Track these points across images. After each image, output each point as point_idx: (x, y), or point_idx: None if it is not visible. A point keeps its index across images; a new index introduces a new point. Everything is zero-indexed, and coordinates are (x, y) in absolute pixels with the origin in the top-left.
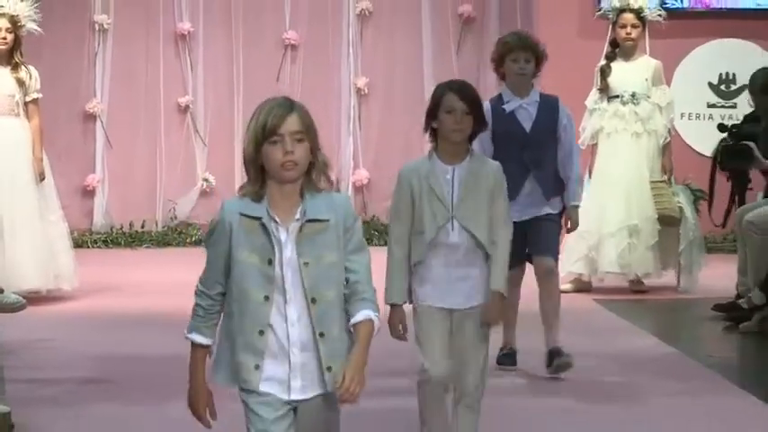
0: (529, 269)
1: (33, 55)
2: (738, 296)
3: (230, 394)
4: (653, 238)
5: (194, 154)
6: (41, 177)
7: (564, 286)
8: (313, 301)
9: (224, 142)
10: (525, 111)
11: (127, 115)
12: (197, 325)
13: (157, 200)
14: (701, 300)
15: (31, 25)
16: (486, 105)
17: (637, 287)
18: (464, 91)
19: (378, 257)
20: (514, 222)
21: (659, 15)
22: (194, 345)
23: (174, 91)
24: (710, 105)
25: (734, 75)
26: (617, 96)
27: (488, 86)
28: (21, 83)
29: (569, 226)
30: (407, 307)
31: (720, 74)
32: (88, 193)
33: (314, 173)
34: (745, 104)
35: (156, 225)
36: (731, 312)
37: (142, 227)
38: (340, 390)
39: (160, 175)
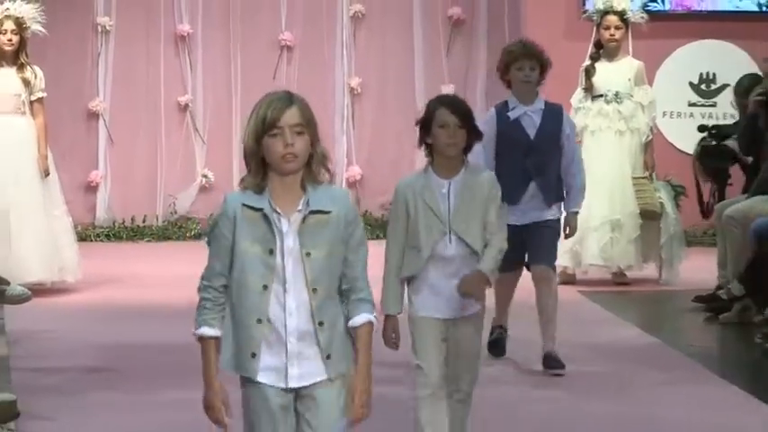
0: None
1: (38, 55)
2: (719, 288)
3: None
4: (635, 232)
5: (194, 151)
6: (46, 173)
7: None
8: (314, 290)
9: (222, 139)
10: (530, 118)
11: (128, 114)
12: (205, 318)
13: (158, 195)
14: (683, 291)
15: (36, 27)
16: (492, 111)
17: (620, 279)
18: (455, 105)
19: (370, 251)
20: (515, 226)
21: (642, 17)
22: (204, 340)
23: (174, 90)
24: (691, 104)
25: (714, 74)
26: (601, 95)
27: (477, 87)
28: (26, 82)
29: (567, 232)
30: (401, 315)
31: (701, 74)
32: (91, 188)
33: (314, 165)
34: (724, 103)
35: (157, 220)
36: (711, 303)
37: (143, 221)
38: (351, 414)
39: (161, 171)
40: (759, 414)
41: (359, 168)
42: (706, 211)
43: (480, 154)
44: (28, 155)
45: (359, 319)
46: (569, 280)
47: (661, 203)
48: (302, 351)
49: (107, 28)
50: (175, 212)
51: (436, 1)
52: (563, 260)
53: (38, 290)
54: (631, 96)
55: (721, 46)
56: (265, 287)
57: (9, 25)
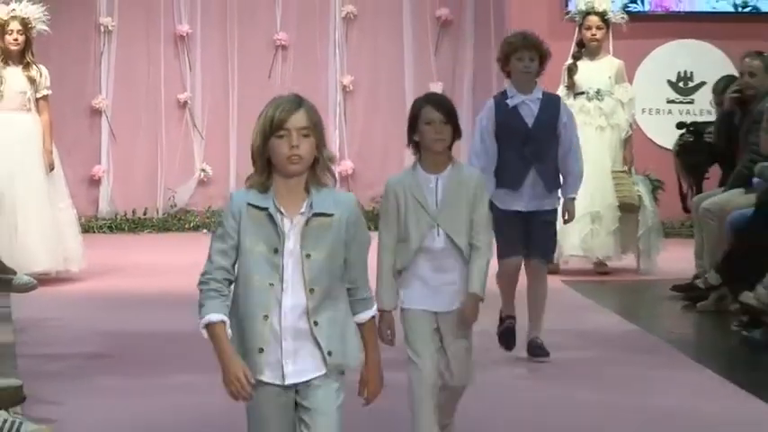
0: None
1: (43, 55)
2: (696, 277)
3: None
4: (614, 224)
5: (192, 146)
6: (51, 168)
7: None
8: (311, 291)
9: (220, 135)
10: (527, 107)
11: (130, 111)
12: (212, 305)
13: (158, 189)
14: (661, 281)
15: (41, 27)
16: (490, 101)
17: (600, 269)
18: (440, 102)
19: None
20: (519, 212)
21: (622, 18)
22: (211, 326)
23: (174, 88)
24: (669, 101)
25: (691, 73)
26: (583, 93)
27: (464, 84)
28: (32, 81)
29: (566, 217)
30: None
31: (679, 72)
32: (94, 182)
33: (318, 168)
34: (701, 101)
35: (157, 212)
36: (689, 292)
37: (144, 214)
38: (366, 399)
39: (161, 165)
40: (734, 398)
41: (350, 163)
42: (687, 206)
43: (478, 148)
44: (33, 150)
45: (363, 316)
46: (552, 270)
47: (639, 197)
48: (298, 349)
49: (109, 28)
50: (175, 205)
51: (425, 2)
52: None
53: (43, 279)
54: (612, 94)
55: (698, 45)
56: (271, 285)
57: (15, 26)
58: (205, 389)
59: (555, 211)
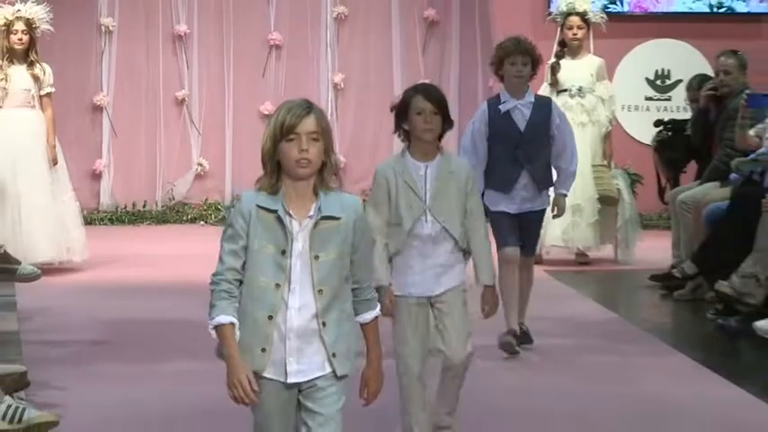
0: None
1: (47, 53)
2: (673, 267)
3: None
4: (594, 216)
5: (190, 141)
6: (54, 162)
7: None
8: (320, 292)
9: (216, 131)
10: (520, 111)
11: (130, 107)
12: (221, 307)
13: (157, 182)
14: (639, 270)
15: (45, 27)
16: (483, 105)
17: (581, 259)
18: (431, 92)
19: None
20: (512, 214)
21: (602, 18)
22: (221, 327)
23: (172, 86)
24: (648, 98)
25: (668, 71)
26: (565, 90)
27: (450, 82)
28: (36, 78)
29: (555, 212)
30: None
31: (656, 70)
32: (96, 176)
33: (326, 172)
34: (678, 98)
35: (156, 204)
36: (666, 282)
37: (143, 206)
38: (366, 398)
39: (159, 160)
40: (710, 383)
41: (342, 157)
42: (664, 198)
43: (467, 148)
44: (37, 145)
45: (367, 316)
46: (535, 260)
47: (618, 190)
48: (302, 348)
49: (110, 28)
50: (173, 198)
51: (413, 3)
52: None
53: (47, 269)
54: (593, 91)
55: (675, 45)
56: (278, 286)
57: (20, 26)
58: (204, 375)
59: (544, 210)
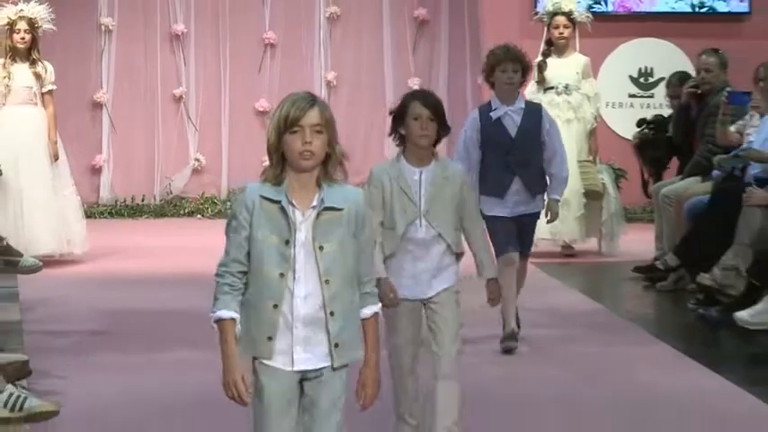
0: None
1: (48, 52)
2: (656, 259)
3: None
4: (580, 209)
5: (187, 137)
6: (56, 157)
7: None
8: (326, 282)
9: (212, 127)
10: (510, 117)
11: (129, 104)
12: (225, 301)
13: (155, 177)
14: (623, 263)
15: (47, 26)
16: (474, 113)
17: (567, 251)
18: (428, 99)
19: None
20: (507, 218)
21: (587, 17)
22: (222, 322)
23: (170, 83)
24: (631, 95)
25: (651, 69)
26: (552, 88)
27: (439, 80)
28: (38, 76)
29: (549, 217)
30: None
31: (640, 68)
32: (96, 171)
33: (330, 164)
34: (661, 95)
35: (154, 198)
36: (649, 273)
37: (142, 200)
38: (363, 402)
39: (157, 155)
40: (691, 371)
41: None
42: (648, 192)
43: (461, 154)
44: (39, 142)
45: (367, 311)
46: None
47: (603, 184)
48: (309, 336)
49: (109, 27)
50: (171, 192)
51: (403, 3)
52: None
53: (48, 261)
54: (579, 89)
55: (658, 43)
56: (282, 275)
57: (22, 25)
58: (202, 364)
59: (538, 213)
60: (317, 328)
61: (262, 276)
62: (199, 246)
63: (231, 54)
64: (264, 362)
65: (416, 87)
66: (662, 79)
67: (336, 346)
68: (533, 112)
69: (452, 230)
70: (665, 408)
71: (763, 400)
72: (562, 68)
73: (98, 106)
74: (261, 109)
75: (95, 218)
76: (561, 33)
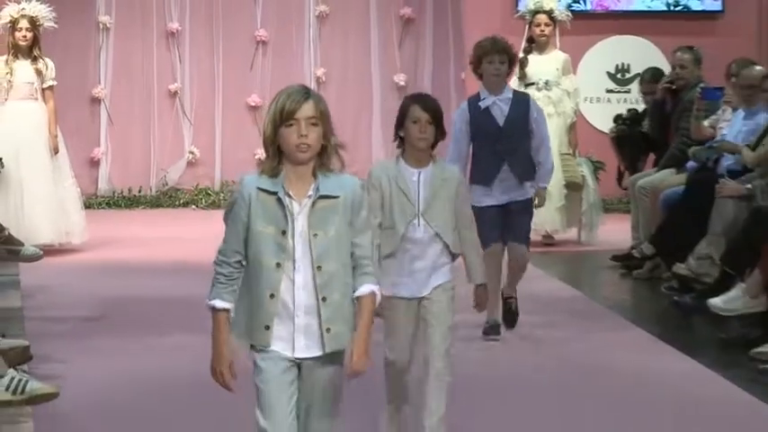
0: None
1: (49, 49)
2: (632, 248)
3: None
4: (560, 200)
5: (182, 131)
6: (56, 151)
7: None
8: (318, 268)
9: (206, 121)
10: (498, 107)
11: (126, 99)
12: (219, 292)
13: (151, 169)
14: (601, 251)
15: (48, 24)
16: (464, 104)
17: (547, 241)
18: (427, 103)
19: None
20: (494, 206)
21: (567, 16)
22: (216, 310)
23: (165, 79)
24: (609, 91)
25: (628, 65)
26: (533, 83)
27: (424, 76)
28: (39, 72)
29: (537, 203)
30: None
31: (617, 65)
32: (94, 163)
33: (326, 155)
34: (637, 90)
35: (151, 190)
36: (626, 261)
37: (139, 191)
38: (348, 369)
39: (154, 148)
40: (666, 355)
41: None
42: (622, 184)
43: (452, 145)
44: (40, 136)
45: (363, 290)
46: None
47: (583, 176)
48: (309, 324)
49: (107, 26)
50: (166, 184)
51: (390, 2)
52: None
53: (48, 250)
54: (559, 84)
55: (635, 41)
56: (278, 265)
57: (24, 23)
58: (198, 348)
59: (529, 200)
60: (314, 315)
61: (260, 266)
62: (193, 235)
63: (224, 51)
64: (266, 348)
65: (402, 83)
66: (638, 75)
67: (328, 330)
68: (521, 102)
69: (450, 231)
70: (641, 390)
71: (734, 382)
72: (543, 65)
73: (96, 101)
74: (253, 104)
75: (94, 208)
76: (542, 31)
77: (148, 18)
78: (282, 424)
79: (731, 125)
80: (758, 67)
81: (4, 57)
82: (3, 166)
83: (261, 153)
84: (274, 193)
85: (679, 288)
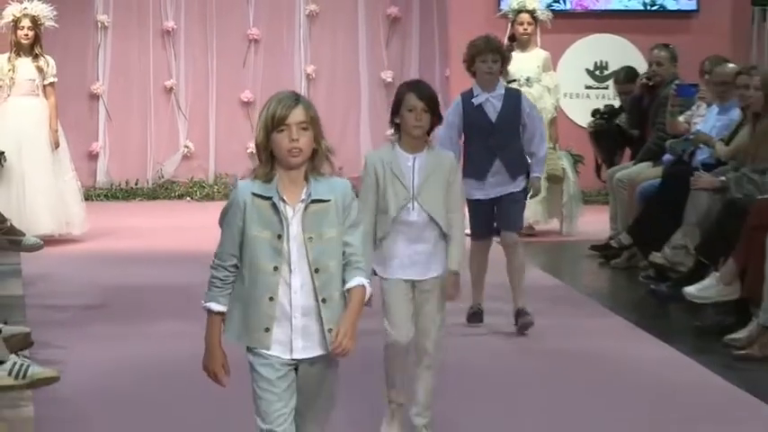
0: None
1: (50, 47)
2: (610, 238)
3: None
4: (542, 193)
5: (177, 126)
6: (57, 145)
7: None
8: (317, 270)
9: (201, 116)
10: (491, 103)
11: (123, 95)
12: (214, 295)
13: (148, 162)
14: (581, 242)
15: (49, 23)
16: (458, 99)
17: (528, 232)
18: (422, 91)
19: None
20: (484, 200)
21: (548, 15)
22: (211, 312)
23: (161, 76)
24: (587, 87)
25: (606, 63)
26: (515, 80)
27: (410, 73)
28: (40, 70)
29: (531, 193)
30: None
31: (596, 62)
32: (93, 157)
33: (317, 159)
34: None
35: (147, 182)
36: (604, 251)
37: (136, 184)
38: (333, 344)
39: (150, 142)
40: (643, 341)
41: None
42: (600, 176)
43: (444, 138)
44: (41, 131)
45: (352, 282)
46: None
47: (563, 169)
48: (307, 325)
49: (105, 24)
50: (162, 177)
51: (377, 2)
52: None
53: (49, 240)
54: (540, 81)
55: (612, 39)
56: (276, 269)
57: (26, 22)
58: (195, 336)
59: (521, 191)
60: (314, 316)
61: (257, 271)
62: (188, 226)
63: (218, 49)
64: (261, 351)
65: (389, 80)
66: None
67: (330, 331)
68: (512, 98)
69: (444, 214)
70: (619, 375)
71: (709, 368)
72: (524, 62)
73: (95, 97)
74: (245, 100)
75: (92, 200)
76: (525, 30)
77: (145, 17)
78: (282, 428)
79: (705, 120)
80: (731, 65)
81: (7, 54)
82: (5, 160)
83: (253, 147)
84: (269, 198)
85: (655, 277)
